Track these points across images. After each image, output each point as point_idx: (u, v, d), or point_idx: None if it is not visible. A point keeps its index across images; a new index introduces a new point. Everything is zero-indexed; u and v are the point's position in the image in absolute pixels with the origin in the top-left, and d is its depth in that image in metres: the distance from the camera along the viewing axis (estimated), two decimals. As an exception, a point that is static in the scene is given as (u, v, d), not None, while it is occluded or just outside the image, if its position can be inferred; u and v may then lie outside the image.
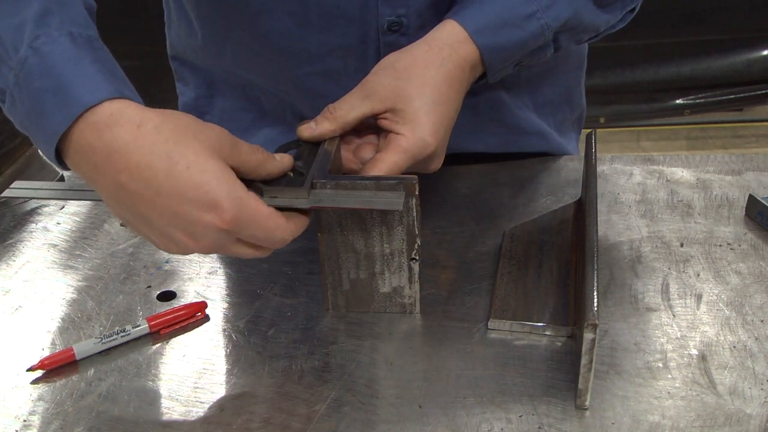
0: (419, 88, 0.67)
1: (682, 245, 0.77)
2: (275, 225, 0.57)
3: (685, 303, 0.69)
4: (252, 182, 0.59)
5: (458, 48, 0.70)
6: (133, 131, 0.54)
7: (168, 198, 0.54)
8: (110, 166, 0.55)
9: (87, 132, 0.55)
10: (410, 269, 0.67)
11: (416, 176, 0.62)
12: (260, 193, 0.60)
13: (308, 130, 0.68)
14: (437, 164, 0.70)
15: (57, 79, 0.56)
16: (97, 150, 0.55)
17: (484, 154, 0.93)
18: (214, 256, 0.78)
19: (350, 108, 0.68)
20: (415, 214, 0.64)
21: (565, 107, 0.97)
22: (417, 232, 0.65)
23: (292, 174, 0.62)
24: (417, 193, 0.62)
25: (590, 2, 0.76)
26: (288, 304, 0.71)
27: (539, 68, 0.90)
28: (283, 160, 0.61)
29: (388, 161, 0.65)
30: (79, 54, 0.57)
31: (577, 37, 0.79)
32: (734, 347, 0.64)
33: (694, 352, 0.63)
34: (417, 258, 0.66)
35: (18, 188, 0.70)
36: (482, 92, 0.86)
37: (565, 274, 0.72)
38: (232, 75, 0.90)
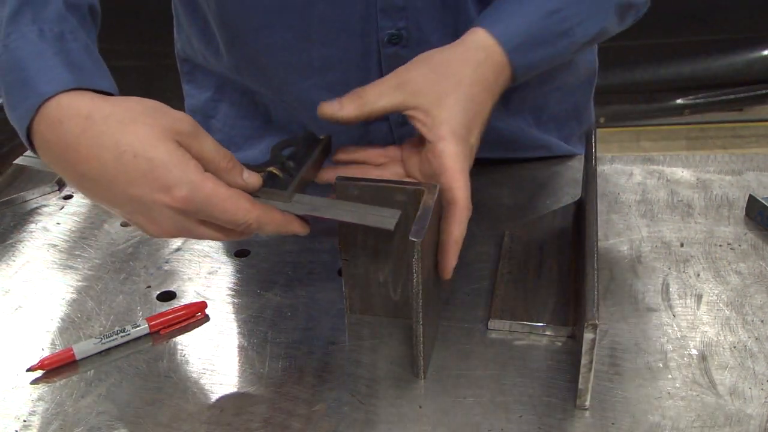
0: (454, 85, 0.65)
1: (682, 245, 0.77)
2: (235, 207, 0.56)
3: (685, 303, 0.69)
4: None
5: (492, 54, 0.68)
6: (81, 123, 0.54)
7: (122, 185, 0.55)
8: (66, 159, 0.55)
9: (42, 126, 0.56)
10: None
11: (439, 183, 0.62)
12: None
13: (330, 109, 0.65)
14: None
15: (21, 72, 0.56)
16: (53, 144, 0.55)
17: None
18: (214, 256, 0.78)
19: (380, 94, 0.65)
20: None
21: (573, 123, 0.96)
22: None
23: (281, 174, 0.62)
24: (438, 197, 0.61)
25: (614, 16, 0.75)
26: (288, 304, 0.71)
27: (547, 87, 0.89)
28: (249, 180, 0.59)
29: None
30: (44, 48, 0.57)
31: (593, 46, 0.79)
32: (734, 347, 0.64)
33: (694, 352, 0.63)
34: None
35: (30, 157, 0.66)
36: None
37: (565, 274, 0.72)
38: (240, 82, 0.89)
